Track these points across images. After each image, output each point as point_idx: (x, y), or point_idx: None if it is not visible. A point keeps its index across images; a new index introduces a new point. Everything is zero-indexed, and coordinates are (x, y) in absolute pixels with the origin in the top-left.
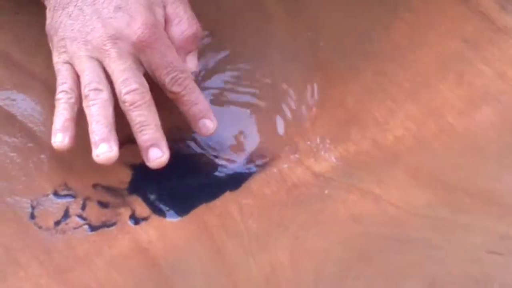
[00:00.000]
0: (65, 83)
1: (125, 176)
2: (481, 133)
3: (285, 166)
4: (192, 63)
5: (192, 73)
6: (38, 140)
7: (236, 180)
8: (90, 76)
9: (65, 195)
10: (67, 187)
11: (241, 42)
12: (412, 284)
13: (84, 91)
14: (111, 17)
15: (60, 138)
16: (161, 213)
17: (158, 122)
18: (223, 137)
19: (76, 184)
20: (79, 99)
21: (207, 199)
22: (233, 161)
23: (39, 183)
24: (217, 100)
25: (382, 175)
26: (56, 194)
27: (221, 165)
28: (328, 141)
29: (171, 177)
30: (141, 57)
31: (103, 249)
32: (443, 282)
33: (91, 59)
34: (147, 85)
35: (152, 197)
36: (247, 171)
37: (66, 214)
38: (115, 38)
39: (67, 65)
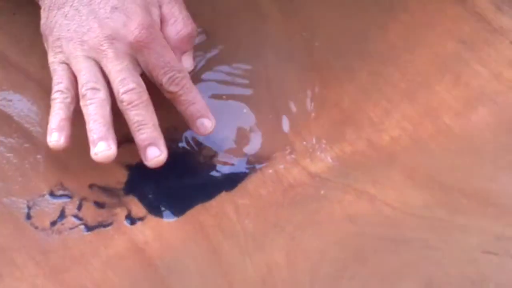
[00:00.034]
0: (61, 82)
1: (121, 176)
2: (477, 134)
3: (281, 166)
4: (187, 62)
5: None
6: (35, 141)
7: (232, 180)
8: (87, 76)
9: (61, 196)
10: (63, 187)
11: (236, 42)
12: (408, 285)
13: (82, 90)
14: (108, 18)
15: (56, 138)
16: (157, 213)
17: (156, 122)
18: (220, 138)
19: (72, 184)
20: (75, 99)
21: (203, 199)
22: (232, 165)
23: (35, 184)
24: (210, 102)
25: (378, 175)
26: (52, 194)
27: (217, 165)
28: (324, 141)
29: (167, 177)
30: (138, 57)
31: (99, 249)
32: (439, 282)
33: (88, 59)
34: (144, 85)
35: (148, 197)
36: (243, 171)
37: (62, 215)
38: (112, 38)
39: (63, 65)
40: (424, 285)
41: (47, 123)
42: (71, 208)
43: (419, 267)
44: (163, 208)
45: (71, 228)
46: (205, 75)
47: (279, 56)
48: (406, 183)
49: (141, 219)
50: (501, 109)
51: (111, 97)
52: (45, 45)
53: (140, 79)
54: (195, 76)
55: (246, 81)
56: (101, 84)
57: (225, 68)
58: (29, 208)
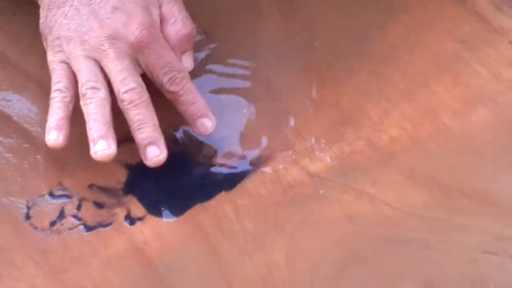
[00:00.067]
0: (60, 82)
1: (120, 176)
2: (477, 134)
3: (281, 166)
4: (187, 62)
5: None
6: (34, 141)
7: (231, 180)
8: (87, 75)
9: (61, 196)
10: (62, 187)
11: (236, 42)
12: (408, 285)
13: (82, 89)
14: (109, 18)
15: (55, 136)
16: (156, 213)
17: (156, 121)
18: (220, 137)
19: (71, 184)
20: (74, 98)
21: (202, 199)
22: (232, 167)
23: (34, 184)
24: (209, 102)
25: (377, 175)
26: (51, 194)
27: (217, 165)
28: (323, 141)
29: (166, 177)
30: (138, 57)
31: (99, 249)
32: (439, 282)
33: (88, 58)
34: (144, 85)
35: (148, 197)
36: (242, 171)
37: (62, 215)
38: (113, 38)
39: (63, 64)
40: (423, 285)
41: (46, 123)
42: (70, 208)
43: (419, 267)
44: (162, 208)
45: (70, 228)
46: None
47: (279, 56)
48: (405, 183)
49: (140, 219)
50: (501, 109)
51: (111, 97)
52: (44, 44)
53: (141, 79)
54: (194, 73)
55: (245, 79)
56: (101, 84)
57: (223, 67)
58: (28, 208)
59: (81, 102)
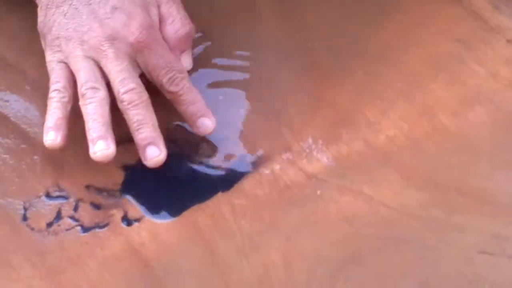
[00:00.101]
0: (58, 82)
1: (117, 177)
2: (473, 133)
3: (278, 167)
4: (186, 61)
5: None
6: (31, 142)
7: (228, 181)
8: (86, 75)
9: (58, 197)
10: (59, 188)
11: (233, 42)
12: (405, 285)
13: (81, 89)
14: (108, 17)
15: (53, 136)
16: (153, 214)
17: (156, 122)
18: (217, 138)
19: (68, 185)
20: (72, 98)
21: (199, 200)
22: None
23: (31, 185)
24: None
25: (374, 175)
26: (48, 195)
27: (214, 166)
28: (320, 141)
29: (163, 178)
30: (138, 57)
31: (96, 250)
32: (436, 282)
33: (87, 58)
34: (143, 86)
35: (145, 198)
36: (240, 171)
37: (59, 216)
38: (113, 38)
39: (61, 64)
40: (420, 285)
41: (44, 123)
42: (67, 209)
43: (416, 267)
44: (159, 209)
45: (67, 229)
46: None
47: (276, 56)
48: (402, 183)
49: (137, 220)
50: (497, 108)
51: (110, 97)
52: (43, 43)
53: (140, 80)
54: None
55: (241, 82)
56: (100, 84)
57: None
58: (25, 209)
59: (80, 102)
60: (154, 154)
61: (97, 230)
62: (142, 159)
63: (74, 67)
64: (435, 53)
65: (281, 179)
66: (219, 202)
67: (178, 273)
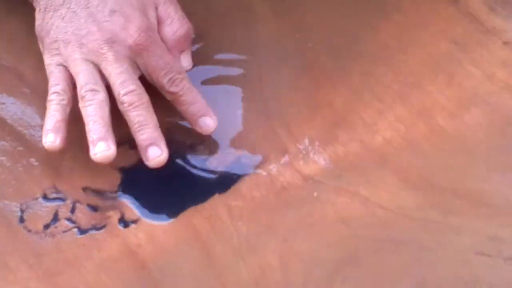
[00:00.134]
0: (57, 84)
1: (114, 179)
2: (470, 134)
3: (274, 168)
4: (186, 61)
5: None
6: (28, 144)
7: (225, 183)
8: (86, 78)
9: (55, 199)
10: (56, 190)
11: (229, 43)
12: (402, 286)
13: (81, 92)
14: (107, 21)
15: (52, 139)
16: (150, 216)
17: (156, 122)
18: (213, 140)
19: (65, 187)
20: (71, 101)
21: (196, 202)
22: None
23: (28, 187)
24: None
25: (371, 177)
26: (45, 197)
27: (211, 168)
28: (317, 143)
29: (160, 180)
30: (137, 60)
31: (93, 252)
32: (433, 284)
33: (86, 61)
34: (143, 87)
35: (141, 200)
36: (236, 173)
37: (56, 218)
38: (111, 41)
39: (60, 67)
40: (417, 286)
41: (40, 126)
42: (64, 211)
43: (413, 268)
44: (156, 211)
45: (64, 231)
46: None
47: (272, 57)
48: (399, 184)
49: (134, 222)
50: (494, 109)
51: (110, 100)
52: (40, 46)
53: (139, 82)
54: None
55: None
56: (100, 86)
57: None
58: (22, 211)
59: (80, 105)
60: (156, 154)
61: (94, 232)
62: (144, 159)
63: (73, 70)
64: (432, 55)
65: (278, 181)
66: (216, 203)
67: (175, 275)
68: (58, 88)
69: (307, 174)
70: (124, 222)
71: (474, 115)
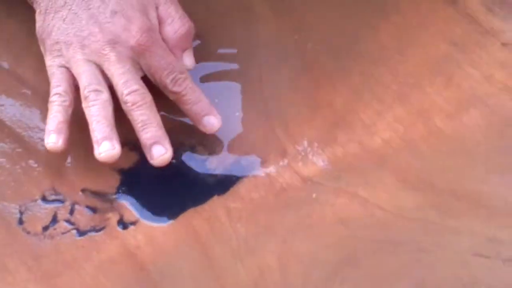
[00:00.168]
0: (59, 86)
1: (113, 181)
2: (468, 136)
3: (273, 170)
4: (188, 60)
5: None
6: (27, 145)
7: (224, 184)
8: (88, 78)
9: (53, 200)
10: (55, 192)
11: (229, 43)
12: (401, 287)
13: (84, 92)
14: (108, 22)
15: (54, 139)
16: (149, 218)
17: (160, 121)
18: (212, 141)
19: (64, 189)
20: (73, 102)
21: (195, 203)
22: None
23: (27, 188)
24: None
25: (369, 178)
26: (44, 199)
27: (210, 169)
28: (316, 144)
29: (159, 182)
30: (139, 60)
31: (92, 254)
32: (432, 285)
33: (89, 62)
34: (146, 87)
35: (140, 201)
36: (235, 175)
37: (54, 219)
38: (113, 42)
39: (62, 68)
40: (416, 287)
41: (39, 127)
42: (63, 213)
43: (411, 269)
44: (155, 213)
45: (63, 233)
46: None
47: (272, 58)
48: (397, 185)
49: (133, 223)
50: (492, 111)
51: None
52: (42, 48)
53: (142, 82)
54: None
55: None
56: (103, 86)
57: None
58: (21, 213)
59: (84, 105)
60: (160, 152)
61: (93, 233)
62: (148, 158)
63: (75, 71)
64: (431, 56)
65: (277, 182)
66: (215, 205)
67: (174, 277)
68: (60, 89)
69: (306, 175)
70: (123, 223)
71: (472, 116)
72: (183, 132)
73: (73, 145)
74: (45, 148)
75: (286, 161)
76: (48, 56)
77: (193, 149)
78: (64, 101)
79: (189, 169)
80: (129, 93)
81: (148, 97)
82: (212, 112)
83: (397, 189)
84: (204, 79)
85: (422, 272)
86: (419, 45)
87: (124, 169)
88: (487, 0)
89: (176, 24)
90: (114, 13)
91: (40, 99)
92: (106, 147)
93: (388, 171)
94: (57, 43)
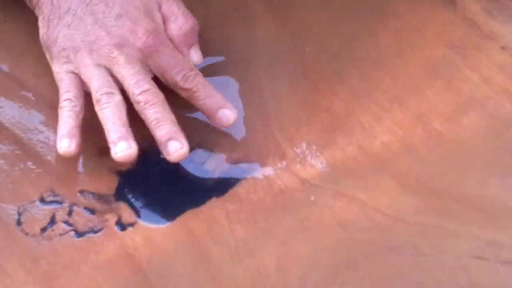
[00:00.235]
0: (68, 91)
1: (111, 182)
2: (467, 139)
3: (272, 172)
4: (196, 56)
5: None
6: (25, 147)
7: (223, 186)
8: (100, 82)
9: (52, 202)
10: (53, 193)
11: (227, 47)
12: None
13: (96, 95)
14: (114, 25)
15: (67, 144)
16: (147, 219)
17: (174, 118)
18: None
19: (62, 190)
20: (83, 108)
21: (193, 205)
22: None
23: (25, 190)
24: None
25: (368, 181)
26: (42, 200)
27: (208, 171)
28: (314, 147)
29: (157, 183)
30: (148, 61)
31: (90, 255)
32: None
33: (98, 66)
34: (157, 87)
35: (139, 203)
36: (234, 177)
37: (53, 221)
38: (121, 45)
39: (70, 74)
40: None
41: (38, 130)
42: (61, 214)
43: (410, 273)
44: (153, 214)
45: (61, 234)
46: None
47: (270, 62)
48: (396, 189)
49: (131, 225)
50: (491, 114)
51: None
52: (47, 55)
53: (153, 82)
54: None
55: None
56: (115, 89)
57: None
58: (19, 214)
59: (96, 108)
60: (176, 147)
61: (91, 235)
62: (165, 154)
63: (85, 76)
64: (430, 59)
65: (275, 184)
66: (213, 207)
67: (172, 278)
68: (70, 95)
69: (304, 178)
70: (121, 225)
71: (472, 120)
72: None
73: None
74: (44, 150)
75: (284, 163)
76: (55, 63)
77: (191, 151)
78: (75, 106)
79: (187, 171)
80: (141, 93)
81: (160, 95)
82: (226, 105)
83: (396, 193)
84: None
85: (421, 276)
86: (418, 48)
87: (122, 171)
88: (486, 4)
89: (180, 21)
90: (119, 16)
91: (39, 101)
92: (123, 147)
93: (388, 175)
94: (64, 49)
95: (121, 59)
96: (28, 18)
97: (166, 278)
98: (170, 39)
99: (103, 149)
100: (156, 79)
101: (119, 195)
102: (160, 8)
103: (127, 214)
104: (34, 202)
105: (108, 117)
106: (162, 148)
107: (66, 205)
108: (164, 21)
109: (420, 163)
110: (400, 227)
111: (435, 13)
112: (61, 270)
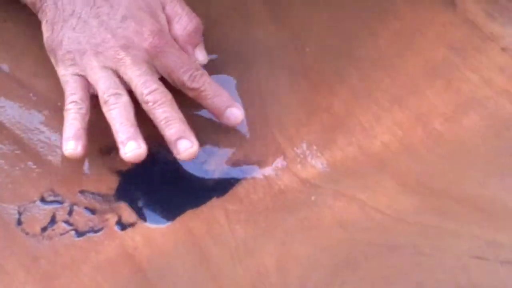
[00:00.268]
0: (74, 94)
1: (112, 182)
2: (467, 139)
3: (272, 172)
4: (201, 55)
5: None
6: (26, 147)
7: (223, 186)
8: (107, 83)
9: (52, 201)
10: (54, 193)
11: (227, 48)
12: None
13: (103, 97)
14: (119, 27)
15: (73, 146)
16: (147, 219)
17: (183, 117)
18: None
19: (63, 190)
20: (89, 110)
21: (193, 205)
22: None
23: (26, 190)
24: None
25: (368, 181)
26: (43, 200)
27: (208, 171)
28: (314, 147)
29: (157, 183)
30: (154, 62)
31: (90, 255)
32: None
33: (105, 68)
34: (164, 87)
35: (139, 203)
36: (234, 177)
37: (53, 220)
38: (127, 47)
39: (76, 77)
40: None
41: (38, 129)
42: (61, 214)
43: (410, 273)
44: (153, 214)
45: (61, 234)
46: None
47: (270, 62)
48: (396, 189)
49: (131, 225)
50: (491, 114)
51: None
52: (52, 59)
53: (160, 82)
54: None
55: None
56: (122, 90)
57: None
58: (19, 214)
59: (104, 109)
60: (186, 146)
61: (91, 234)
62: (175, 153)
63: (92, 78)
64: (430, 60)
65: (276, 184)
66: (214, 207)
67: (172, 278)
68: (76, 97)
69: (304, 178)
70: (122, 225)
71: (472, 120)
72: None
73: None
74: (44, 150)
75: (284, 163)
76: (60, 66)
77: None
78: (81, 108)
79: (187, 171)
80: (149, 93)
81: (168, 95)
82: (234, 104)
83: (396, 193)
84: None
85: (421, 276)
86: (418, 49)
87: (122, 171)
88: (487, 5)
89: (184, 21)
90: (124, 18)
91: (39, 101)
92: (132, 147)
93: (388, 175)
94: (69, 52)
95: (127, 60)
96: (28, 19)
97: (166, 278)
98: (175, 40)
99: (104, 149)
100: (162, 80)
101: (119, 195)
102: (164, 8)
103: (127, 214)
104: (34, 202)
105: (116, 118)
106: (172, 147)
107: (66, 205)
108: (168, 21)
109: (420, 163)
110: (400, 227)
111: (436, 14)
112: (61, 270)
